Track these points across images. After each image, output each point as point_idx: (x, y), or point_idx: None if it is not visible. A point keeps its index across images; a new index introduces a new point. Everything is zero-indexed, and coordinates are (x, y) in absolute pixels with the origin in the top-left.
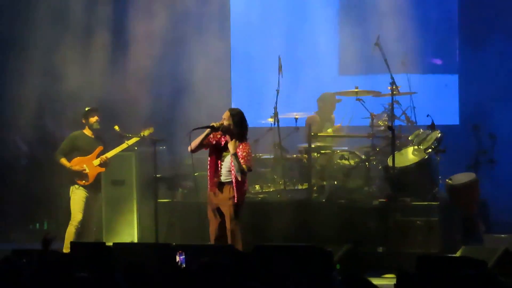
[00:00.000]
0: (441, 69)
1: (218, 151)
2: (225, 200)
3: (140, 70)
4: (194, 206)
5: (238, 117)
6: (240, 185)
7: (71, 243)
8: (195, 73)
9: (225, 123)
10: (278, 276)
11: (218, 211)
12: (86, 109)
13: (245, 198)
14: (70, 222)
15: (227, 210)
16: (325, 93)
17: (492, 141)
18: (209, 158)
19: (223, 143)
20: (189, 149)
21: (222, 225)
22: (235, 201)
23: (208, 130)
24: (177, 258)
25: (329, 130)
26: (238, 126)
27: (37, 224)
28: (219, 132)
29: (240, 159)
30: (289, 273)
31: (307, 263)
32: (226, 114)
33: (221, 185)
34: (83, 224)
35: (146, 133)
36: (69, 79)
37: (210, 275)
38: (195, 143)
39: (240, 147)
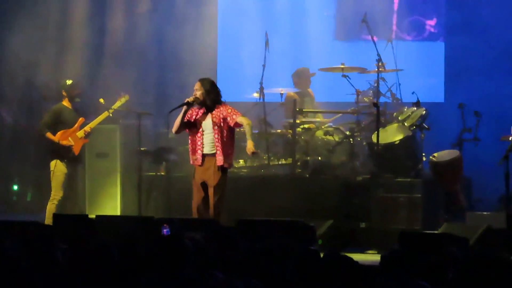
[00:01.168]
0: (427, 47)
1: (197, 125)
2: (211, 172)
3: (124, 43)
4: (178, 180)
5: (209, 85)
6: (227, 155)
7: (54, 215)
8: (181, 48)
9: (198, 94)
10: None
11: (203, 186)
12: (68, 82)
13: (229, 173)
14: (50, 199)
15: (212, 183)
16: (299, 68)
17: (476, 119)
18: (189, 133)
19: (200, 115)
20: (172, 131)
21: (205, 200)
22: (223, 168)
23: (184, 107)
24: (162, 231)
25: (306, 99)
26: (211, 94)
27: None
28: (197, 107)
29: (229, 117)
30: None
31: (290, 238)
32: (197, 85)
33: (205, 158)
34: (68, 197)
35: (122, 101)
36: (52, 51)
37: (192, 248)
38: (176, 124)
39: (221, 108)
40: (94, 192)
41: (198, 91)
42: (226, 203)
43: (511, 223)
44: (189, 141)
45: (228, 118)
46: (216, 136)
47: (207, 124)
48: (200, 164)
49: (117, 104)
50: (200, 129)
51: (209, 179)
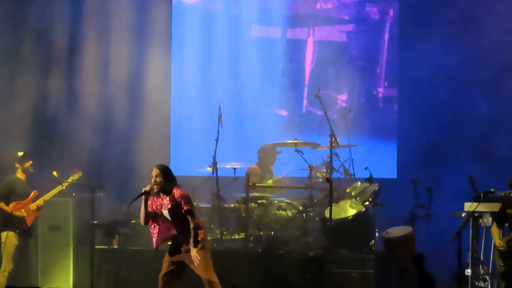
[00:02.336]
0: (380, 123)
1: (160, 214)
2: (195, 250)
3: (77, 114)
4: (131, 253)
5: (167, 172)
6: (196, 231)
7: (6, 287)
8: (135, 121)
9: (155, 183)
10: None
11: (178, 263)
12: (19, 154)
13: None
14: (1, 272)
15: (196, 260)
16: (266, 145)
17: (429, 195)
18: (152, 223)
19: (161, 202)
20: (142, 224)
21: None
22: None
23: (143, 196)
24: None
25: (269, 182)
26: (169, 181)
27: None
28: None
29: (182, 205)
30: None
31: None
32: (155, 171)
33: (180, 238)
34: (20, 270)
35: (75, 177)
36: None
37: None
38: (141, 216)
39: (176, 193)
40: (47, 264)
41: (157, 178)
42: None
43: None
44: (154, 227)
45: (180, 205)
46: (177, 222)
47: (165, 212)
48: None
49: (70, 179)
50: (159, 216)
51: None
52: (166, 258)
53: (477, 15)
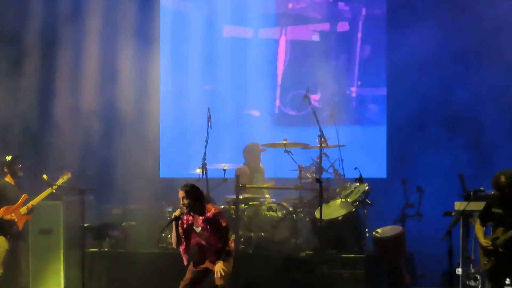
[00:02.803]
0: (369, 121)
1: (192, 230)
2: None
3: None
4: (121, 256)
5: (193, 192)
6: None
7: None
8: (124, 122)
9: (183, 205)
10: None
11: (202, 271)
12: (8, 158)
13: (168, 249)
14: None
15: (221, 272)
16: (249, 144)
17: (419, 195)
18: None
19: (193, 220)
20: (174, 246)
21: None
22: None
23: (173, 222)
24: None
25: (257, 175)
26: (197, 199)
27: None
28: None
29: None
30: None
31: None
32: (181, 194)
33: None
34: (10, 274)
35: (65, 178)
36: None
37: None
38: (174, 240)
39: (210, 212)
40: (38, 268)
41: (185, 200)
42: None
43: None
44: (186, 246)
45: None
46: (211, 241)
47: (198, 230)
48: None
49: (60, 181)
50: (192, 234)
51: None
52: (191, 267)
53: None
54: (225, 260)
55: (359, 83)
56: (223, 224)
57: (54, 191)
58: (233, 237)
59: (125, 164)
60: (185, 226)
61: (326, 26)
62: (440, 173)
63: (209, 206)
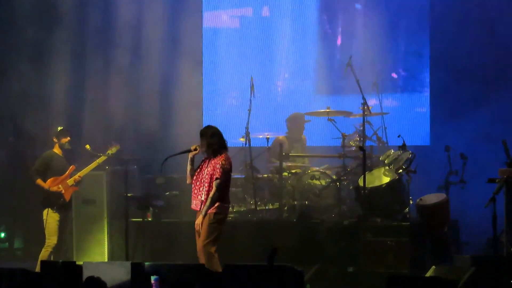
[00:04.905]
0: (412, 89)
1: (201, 172)
2: (200, 217)
3: (113, 91)
4: (165, 225)
5: (214, 135)
6: (212, 202)
7: (41, 262)
8: (167, 93)
9: (202, 142)
10: None
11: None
12: (59, 129)
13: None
14: (45, 247)
15: (199, 227)
16: (294, 113)
17: (462, 162)
18: (194, 178)
19: (205, 163)
20: (187, 182)
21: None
22: (207, 217)
23: (189, 154)
24: (152, 281)
25: (297, 145)
26: (214, 144)
27: (7, 243)
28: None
29: (215, 170)
30: None
31: (278, 283)
32: (201, 132)
33: (201, 203)
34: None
35: (113, 150)
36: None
37: None
38: (187, 175)
39: (217, 159)
40: (82, 238)
41: (202, 142)
42: (217, 250)
43: (498, 265)
44: (192, 185)
45: (214, 174)
46: (206, 184)
47: (205, 173)
48: (198, 208)
49: (108, 152)
50: (201, 176)
51: (199, 225)
52: (196, 231)
53: None
54: (209, 220)
55: (402, 50)
56: (216, 175)
57: (100, 162)
58: (276, 206)
59: (168, 134)
60: (202, 166)
61: None
62: (483, 140)
63: (224, 155)
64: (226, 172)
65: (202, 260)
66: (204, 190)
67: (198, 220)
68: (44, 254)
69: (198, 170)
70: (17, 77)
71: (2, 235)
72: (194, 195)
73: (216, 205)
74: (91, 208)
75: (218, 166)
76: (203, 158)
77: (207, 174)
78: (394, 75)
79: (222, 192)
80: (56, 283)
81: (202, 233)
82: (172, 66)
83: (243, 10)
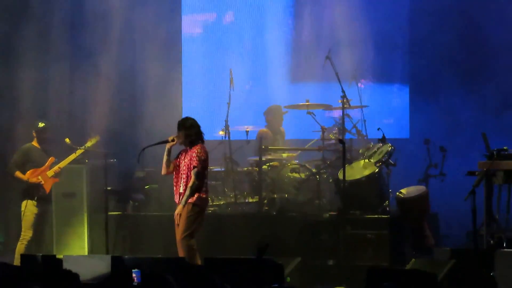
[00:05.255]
0: (392, 82)
1: (179, 165)
2: (180, 208)
3: (92, 85)
4: (145, 219)
5: (190, 127)
6: (192, 192)
7: (21, 255)
8: (146, 85)
9: (171, 138)
10: None
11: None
12: (41, 125)
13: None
14: (20, 240)
15: (177, 220)
16: (271, 106)
17: (442, 155)
18: (174, 173)
19: (183, 155)
20: (162, 173)
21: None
22: (185, 208)
23: (166, 145)
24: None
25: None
26: (190, 135)
27: None
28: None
29: (192, 160)
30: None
31: (258, 276)
32: (178, 124)
33: (179, 196)
34: (36, 237)
35: (93, 141)
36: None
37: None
38: (163, 166)
39: (193, 149)
40: (61, 231)
41: (179, 133)
42: (195, 243)
43: (478, 258)
44: (174, 180)
45: (191, 161)
46: (184, 176)
47: (182, 164)
48: (177, 201)
49: (88, 144)
50: (179, 169)
51: (178, 215)
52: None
53: None
54: (188, 211)
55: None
56: (194, 164)
57: (78, 155)
58: (256, 199)
59: (148, 127)
60: (179, 160)
61: None
62: (463, 133)
63: (200, 145)
64: (203, 161)
65: (180, 253)
66: (182, 181)
67: (177, 210)
68: (20, 247)
69: (177, 163)
70: None
71: None
72: (175, 189)
73: (195, 195)
74: (71, 202)
75: (194, 155)
76: (180, 151)
77: (184, 165)
78: (373, 68)
79: (201, 181)
80: (36, 277)
81: (181, 225)
82: (150, 58)
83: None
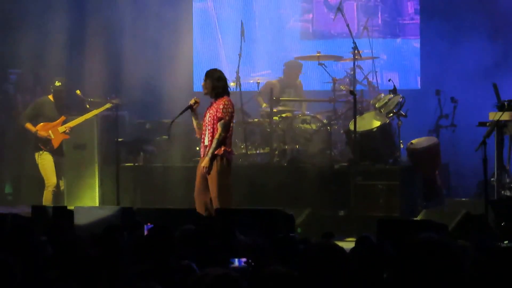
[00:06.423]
0: (403, 33)
1: (204, 116)
2: (207, 160)
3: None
4: (156, 170)
5: (215, 77)
6: (218, 144)
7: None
8: (156, 37)
9: (204, 86)
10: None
11: (202, 176)
12: (57, 83)
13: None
14: (46, 187)
15: (207, 173)
16: (293, 61)
17: (453, 105)
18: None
19: (208, 107)
20: (197, 135)
21: (203, 189)
22: (215, 163)
23: (190, 111)
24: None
25: (291, 91)
26: (216, 87)
27: None
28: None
29: (218, 112)
30: (252, 236)
31: (269, 227)
32: (205, 76)
33: (205, 148)
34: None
35: (113, 103)
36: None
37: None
38: (196, 129)
39: (219, 101)
40: (72, 183)
41: (203, 84)
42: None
43: (489, 208)
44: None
45: (218, 115)
46: (209, 127)
47: (207, 116)
48: (202, 155)
49: (106, 106)
50: (205, 120)
51: (203, 168)
52: (197, 175)
53: None
54: (210, 157)
55: None
56: (219, 115)
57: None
58: (267, 150)
59: (158, 79)
60: (205, 112)
61: None
62: (474, 83)
63: (226, 97)
64: (230, 113)
65: (200, 207)
66: (208, 133)
67: (204, 162)
68: (47, 195)
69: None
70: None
71: None
72: (202, 140)
73: (222, 148)
74: (82, 153)
75: (221, 107)
76: (204, 111)
77: (210, 117)
78: (385, 19)
79: (227, 133)
80: (47, 228)
81: (213, 182)
82: (163, 14)
83: None
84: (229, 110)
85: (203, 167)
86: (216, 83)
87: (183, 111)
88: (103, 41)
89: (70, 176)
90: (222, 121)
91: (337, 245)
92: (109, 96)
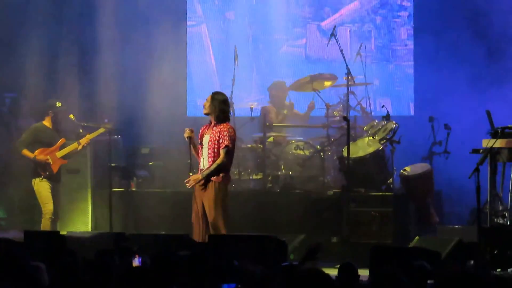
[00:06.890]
0: (396, 59)
1: (201, 139)
2: (205, 188)
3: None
4: (149, 195)
5: (218, 100)
6: (217, 170)
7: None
8: (150, 62)
9: (205, 106)
10: (232, 266)
11: (199, 201)
12: (58, 104)
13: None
14: (43, 215)
15: (206, 200)
16: (275, 81)
17: (446, 132)
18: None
19: (206, 129)
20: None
21: (201, 214)
22: (212, 187)
23: (188, 142)
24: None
25: (285, 112)
26: (218, 111)
27: None
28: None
29: (221, 139)
30: (243, 263)
31: (262, 253)
32: (208, 98)
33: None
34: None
35: (107, 127)
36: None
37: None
38: (196, 157)
39: (221, 127)
40: (65, 207)
41: (206, 103)
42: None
43: (482, 236)
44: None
45: (220, 141)
46: (210, 151)
47: (206, 138)
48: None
49: (100, 131)
50: (201, 143)
51: (204, 196)
52: (194, 200)
53: None
54: (215, 188)
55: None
56: (225, 143)
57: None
58: (260, 176)
59: (152, 104)
60: (200, 135)
61: None
62: (467, 111)
63: (228, 123)
64: (233, 141)
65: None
66: (208, 157)
67: (195, 176)
68: (44, 222)
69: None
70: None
71: None
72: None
73: (220, 175)
74: (75, 178)
75: (225, 133)
76: (199, 136)
77: (210, 140)
78: (378, 45)
79: (228, 161)
80: (39, 253)
81: (210, 207)
82: (156, 38)
83: None
84: (233, 138)
85: (193, 179)
86: (222, 105)
87: (189, 148)
88: (96, 65)
89: (63, 201)
90: (226, 148)
91: (322, 271)
92: (102, 121)
